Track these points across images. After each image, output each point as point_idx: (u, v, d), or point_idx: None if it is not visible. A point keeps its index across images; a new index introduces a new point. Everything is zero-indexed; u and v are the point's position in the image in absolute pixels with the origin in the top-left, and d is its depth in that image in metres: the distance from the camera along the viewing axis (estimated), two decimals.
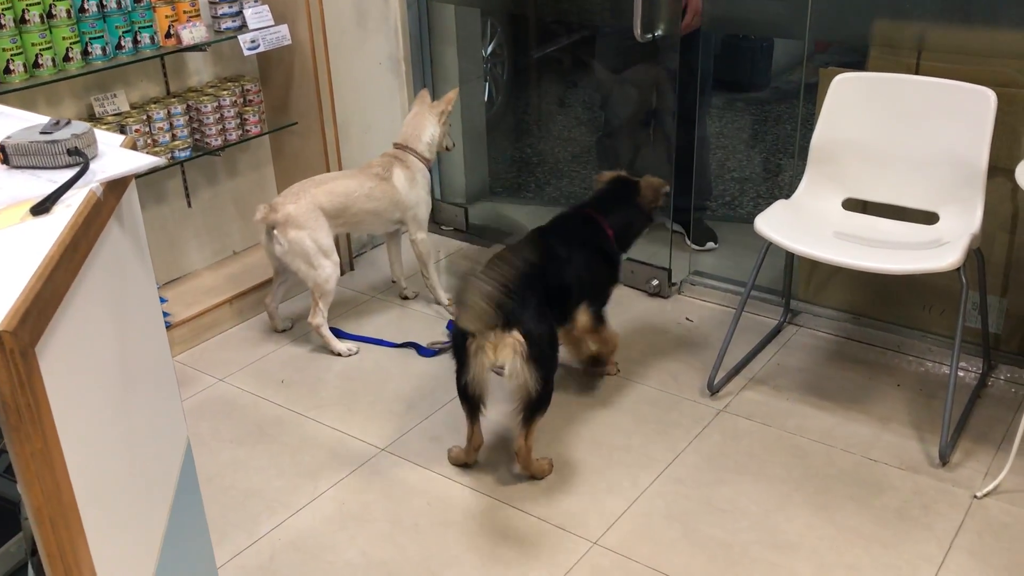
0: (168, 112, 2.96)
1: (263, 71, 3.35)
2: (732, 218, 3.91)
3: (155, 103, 2.99)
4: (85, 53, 2.70)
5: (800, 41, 3.07)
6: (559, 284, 2.51)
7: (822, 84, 2.81)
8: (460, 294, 2.25)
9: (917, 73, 2.72)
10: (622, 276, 2.90)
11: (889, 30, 2.84)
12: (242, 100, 3.17)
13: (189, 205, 3.27)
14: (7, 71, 2.56)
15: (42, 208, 1.07)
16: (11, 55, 2.55)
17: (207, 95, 3.07)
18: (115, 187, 1.18)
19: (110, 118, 2.86)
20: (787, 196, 2.80)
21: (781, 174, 4.23)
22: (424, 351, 3.03)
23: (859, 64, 2.86)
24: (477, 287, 2.16)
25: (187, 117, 3.02)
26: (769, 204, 2.74)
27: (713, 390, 2.76)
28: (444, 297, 3.30)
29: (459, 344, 2.30)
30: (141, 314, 1.31)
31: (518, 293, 2.23)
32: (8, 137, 1.20)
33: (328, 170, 3.37)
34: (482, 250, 3.52)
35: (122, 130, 2.84)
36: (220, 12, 3.01)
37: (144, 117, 2.90)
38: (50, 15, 2.61)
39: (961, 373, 2.78)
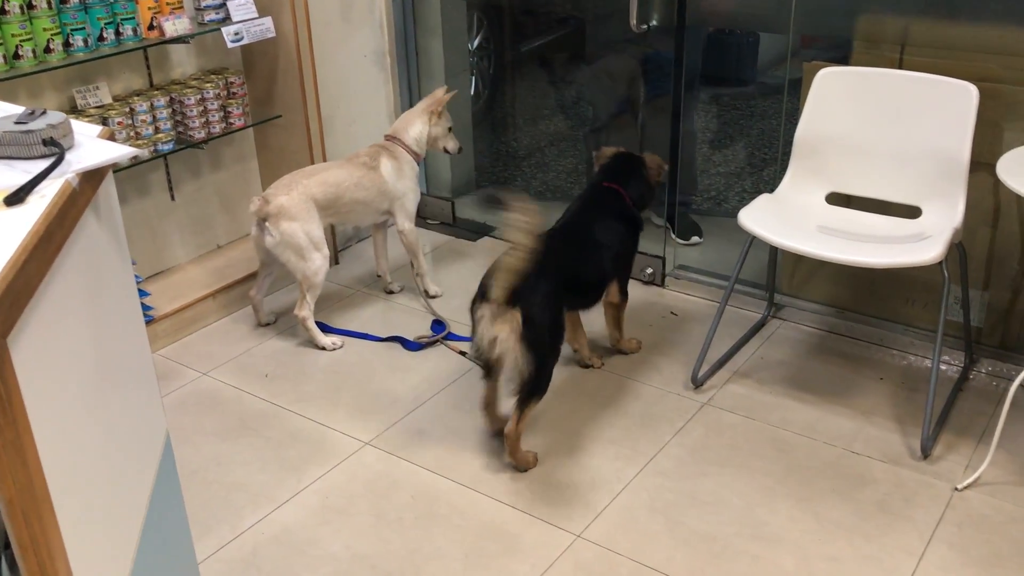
0: (151, 105, 2.94)
1: (247, 64, 3.33)
2: (717, 212, 3.92)
3: (138, 95, 2.97)
4: (67, 45, 2.68)
5: (785, 36, 3.08)
6: (597, 270, 2.67)
7: (806, 79, 2.82)
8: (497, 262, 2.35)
9: (900, 68, 2.73)
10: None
11: (873, 25, 2.85)
12: (226, 93, 3.15)
13: (172, 198, 3.25)
14: None
15: (16, 198, 1.06)
16: None
17: (190, 88, 3.06)
18: (91, 178, 1.17)
19: (92, 110, 2.84)
20: (771, 190, 2.80)
21: (766, 168, 4.24)
22: (410, 345, 3.03)
23: (843, 59, 2.86)
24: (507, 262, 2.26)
25: (170, 110, 3.01)
26: (754, 198, 2.74)
27: (697, 383, 2.77)
28: (433, 288, 3.30)
29: (472, 309, 2.40)
30: (119, 306, 1.30)
31: (533, 275, 2.28)
32: None
33: (313, 163, 3.36)
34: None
35: (104, 122, 2.82)
36: (203, 4, 2.99)
37: (127, 110, 2.88)
38: (31, 6, 2.59)
39: (943, 367, 2.80)
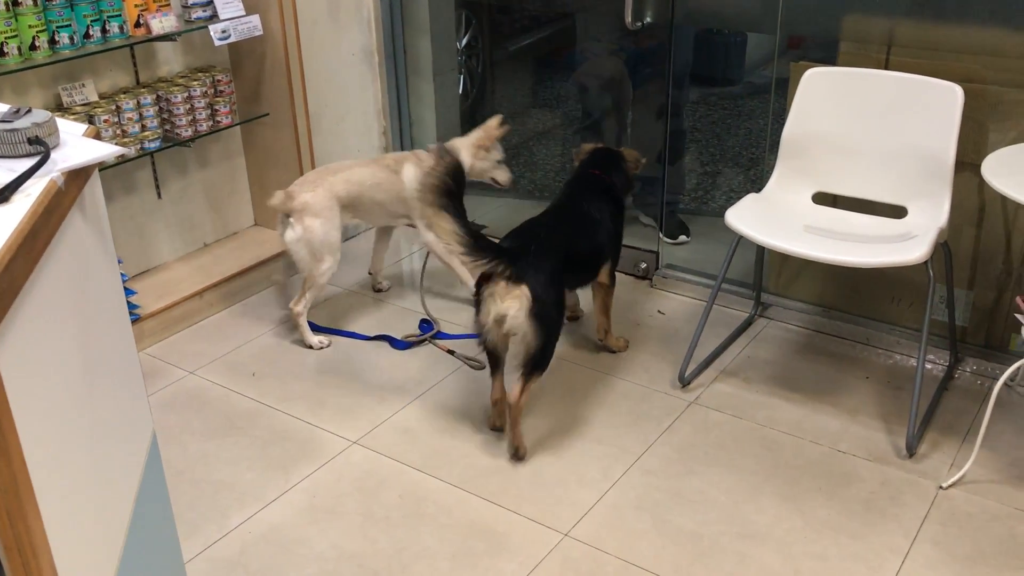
0: (138, 102, 2.93)
1: (234, 62, 3.32)
2: (704, 211, 3.93)
3: (124, 93, 2.96)
4: (52, 42, 2.66)
5: (772, 36, 3.09)
6: (592, 244, 2.72)
7: (793, 79, 2.83)
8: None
9: (886, 68, 2.74)
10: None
11: (859, 25, 2.86)
12: (213, 91, 3.14)
13: (159, 196, 3.24)
14: None
15: (1, 197, 1.06)
16: None
17: (177, 85, 3.04)
18: (77, 177, 1.16)
19: (78, 108, 2.82)
20: (758, 190, 2.81)
21: (753, 168, 4.26)
22: (398, 344, 3.03)
23: (830, 59, 2.88)
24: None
25: (157, 107, 2.99)
26: (741, 198, 2.75)
27: (684, 382, 2.77)
28: (472, 283, 3.22)
29: (478, 291, 2.44)
30: (105, 305, 1.30)
31: (536, 254, 2.41)
32: None
33: (300, 161, 3.36)
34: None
35: (91, 120, 2.81)
36: (191, 2, 2.98)
37: (113, 107, 2.87)
38: (16, 3, 2.57)
39: (928, 365, 2.81)
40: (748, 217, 2.62)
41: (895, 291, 2.93)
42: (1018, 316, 2.37)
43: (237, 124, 3.28)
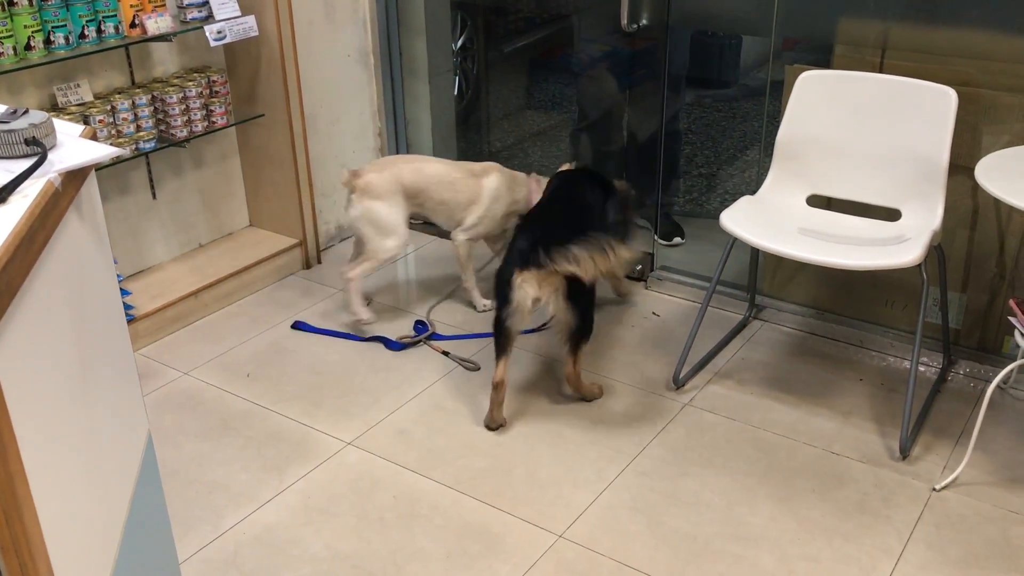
0: (133, 103, 2.93)
1: (230, 62, 3.32)
2: (699, 214, 3.94)
3: (120, 93, 2.95)
4: (47, 42, 2.66)
5: (767, 39, 3.10)
6: (603, 219, 2.85)
7: (788, 81, 2.84)
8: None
9: (881, 71, 2.75)
10: None
11: (854, 28, 2.87)
12: (208, 91, 3.14)
13: (154, 197, 3.23)
14: None
15: None
16: None
17: (172, 86, 3.04)
18: (74, 178, 1.16)
19: (73, 108, 2.82)
20: (753, 192, 2.82)
21: (748, 170, 4.26)
22: (392, 344, 3.03)
23: (825, 62, 2.89)
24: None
25: (152, 108, 2.99)
26: (736, 200, 2.76)
27: (678, 384, 2.78)
28: (481, 303, 3.21)
29: (505, 280, 2.50)
30: (101, 306, 1.30)
31: (559, 236, 2.47)
32: None
33: (295, 162, 3.37)
34: None
35: (86, 120, 2.81)
36: (186, 2, 2.98)
37: (108, 108, 2.87)
38: (11, 3, 2.57)
39: (922, 368, 2.82)
40: (742, 219, 2.63)
41: (889, 294, 2.94)
42: (1011, 319, 2.38)
43: (232, 125, 3.28)
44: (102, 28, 2.77)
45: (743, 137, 4.59)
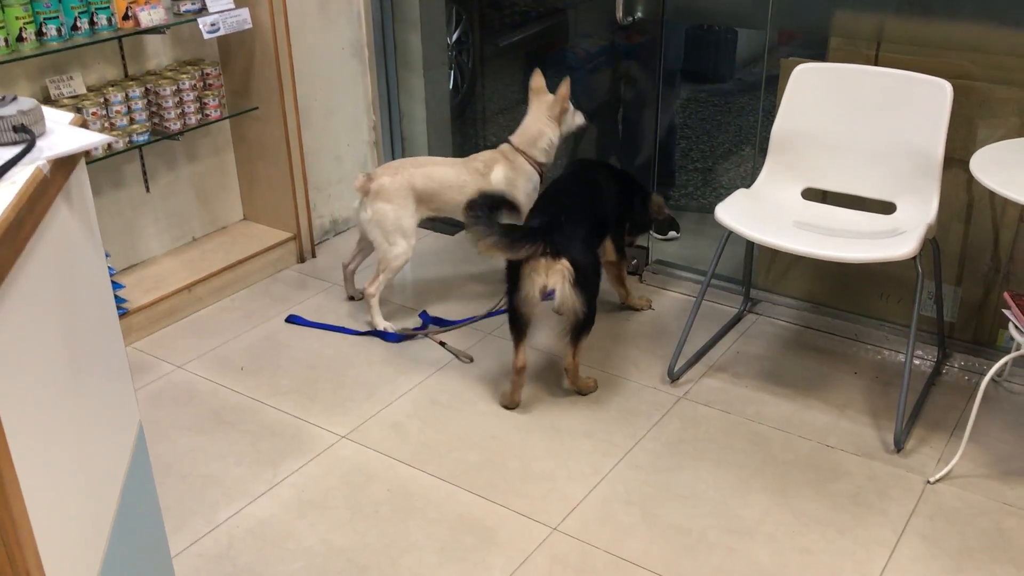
0: (126, 95, 2.91)
1: (223, 55, 3.30)
2: (694, 207, 3.93)
3: (113, 86, 2.94)
4: (40, 34, 2.65)
5: (763, 32, 3.09)
6: (607, 207, 2.90)
7: (783, 74, 2.83)
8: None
9: (876, 64, 2.75)
10: None
11: (849, 21, 2.87)
12: (202, 84, 3.13)
13: (148, 190, 3.22)
14: None
15: None
16: None
17: (166, 78, 3.03)
18: (63, 165, 1.15)
19: (66, 100, 2.81)
20: (748, 186, 2.82)
21: (744, 164, 4.26)
22: (390, 336, 3.02)
23: (820, 55, 2.88)
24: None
25: (145, 101, 2.98)
26: (731, 193, 2.75)
27: (673, 377, 2.78)
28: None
29: (514, 268, 2.54)
30: (91, 296, 1.29)
31: (568, 225, 2.55)
32: None
33: (289, 155, 3.35)
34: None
35: (79, 113, 2.79)
36: None
37: (101, 100, 2.85)
38: None
39: (916, 361, 2.82)
40: (738, 212, 2.62)
41: (884, 287, 2.94)
42: (1005, 312, 2.38)
43: (226, 118, 3.27)
44: (95, 20, 2.76)
45: (739, 131, 4.58)
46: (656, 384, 2.78)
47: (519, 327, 2.59)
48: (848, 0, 2.83)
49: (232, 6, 3.04)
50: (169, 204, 3.31)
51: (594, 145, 3.83)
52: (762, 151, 2.86)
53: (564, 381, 2.74)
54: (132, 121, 2.94)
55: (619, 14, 3.12)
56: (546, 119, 3.06)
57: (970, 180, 2.43)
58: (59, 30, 2.67)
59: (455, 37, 4.50)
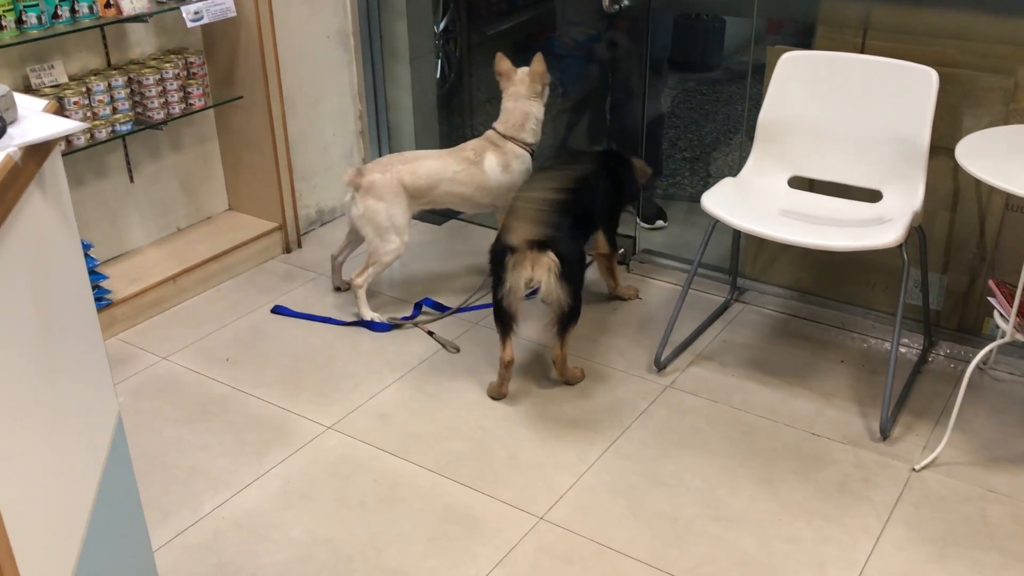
0: (109, 84, 2.89)
1: (207, 44, 3.28)
2: (682, 196, 3.93)
3: (95, 75, 2.91)
4: (20, 21, 2.62)
5: (750, 20, 3.08)
6: (596, 200, 2.87)
7: (770, 63, 2.82)
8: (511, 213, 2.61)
9: (862, 52, 2.74)
10: None
11: (835, 9, 2.86)
12: (186, 73, 3.10)
13: (131, 180, 3.19)
14: None
15: None
16: None
17: (149, 67, 3.00)
18: (36, 153, 1.14)
19: (47, 89, 2.78)
20: (735, 174, 2.81)
21: (731, 154, 4.26)
22: (377, 326, 3.00)
23: (807, 44, 2.87)
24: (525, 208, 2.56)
25: (128, 90, 2.95)
26: (717, 182, 2.75)
27: (660, 366, 2.78)
28: None
29: (498, 261, 2.53)
30: (67, 286, 1.27)
31: (553, 216, 2.53)
32: None
33: (275, 145, 3.33)
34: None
35: (60, 102, 2.77)
36: None
37: (83, 89, 2.83)
38: None
39: (903, 349, 2.83)
40: (724, 201, 2.62)
41: (870, 275, 2.94)
42: (991, 299, 2.38)
43: (210, 107, 3.24)
44: (76, 8, 2.73)
45: (726, 120, 4.57)
46: (643, 373, 2.77)
47: (504, 320, 2.57)
48: None
49: None
50: (153, 194, 3.28)
51: (582, 135, 3.82)
52: (749, 139, 2.86)
53: (551, 371, 2.73)
54: (115, 110, 2.92)
55: (605, 2, 3.11)
56: (528, 99, 3.05)
57: (956, 168, 2.43)
58: (39, 18, 2.64)
59: (442, 25, 4.48)
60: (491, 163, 3.00)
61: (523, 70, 3.06)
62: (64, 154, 2.82)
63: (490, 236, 2.71)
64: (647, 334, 2.96)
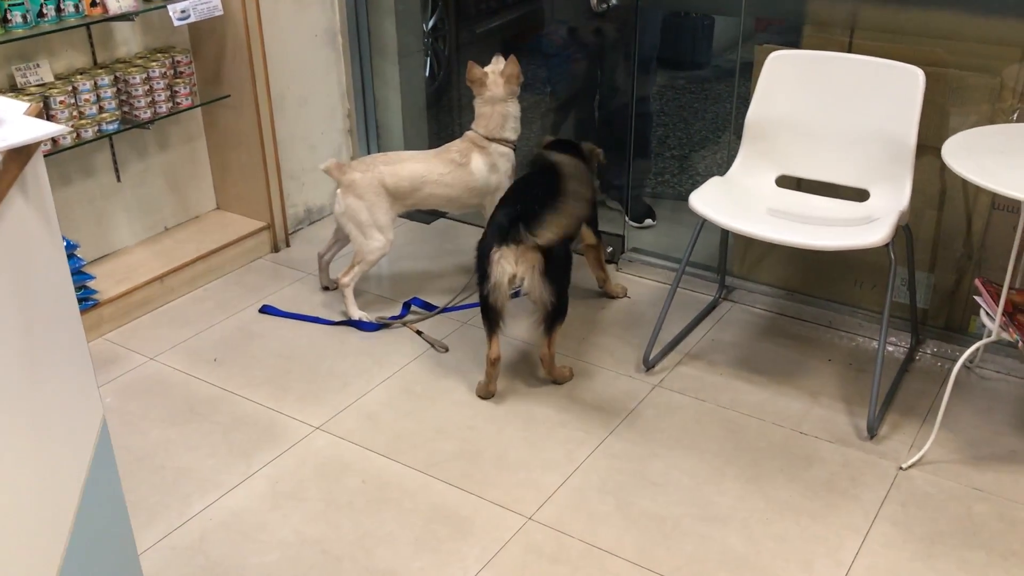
0: (95, 83, 2.87)
1: (194, 42, 3.26)
2: (670, 195, 3.93)
3: (81, 74, 2.90)
4: (4, 20, 2.60)
5: (738, 19, 3.09)
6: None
7: (758, 62, 2.82)
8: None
9: (850, 51, 2.74)
10: None
11: (823, 8, 2.87)
12: (172, 72, 3.09)
13: (118, 179, 3.18)
14: None
15: None
16: None
17: (136, 66, 2.99)
18: (17, 156, 1.13)
19: (33, 88, 2.76)
20: (723, 173, 2.81)
21: (719, 152, 4.26)
22: (365, 326, 3.00)
23: (795, 42, 2.88)
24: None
25: (115, 89, 2.94)
26: (705, 181, 2.75)
27: (648, 365, 2.78)
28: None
29: (483, 257, 2.52)
30: (50, 289, 1.27)
31: (536, 214, 2.50)
32: None
33: (263, 144, 3.32)
34: None
35: (46, 101, 2.75)
36: None
37: (69, 88, 2.81)
38: None
39: (890, 348, 2.84)
40: (712, 200, 2.62)
41: (857, 274, 2.95)
42: (977, 298, 2.39)
43: (198, 106, 3.23)
44: (62, 7, 2.71)
45: (715, 119, 4.58)
46: (631, 372, 2.78)
47: (491, 318, 2.57)
48: None
49: None
50: (140, 193, 3.27)
51: (570, 133, 3.82)
52: (737, 138, 2.86)
53: (539, 371, 2.73)
54: (101, 109, 2.90)
55: (593, 1, 3.11)
56: (505, 102, 3.05)
57: (943, 167, 2.43)
58: (24, 17, 2.63)
59: (431, 24, 4.47)
60: (478, 164, 3.00)
61: (494, 71, 3.04)
62: (50, 154, 2.81)
63: (478, 235, 2.70)
64: (635, 333, 2.96)
